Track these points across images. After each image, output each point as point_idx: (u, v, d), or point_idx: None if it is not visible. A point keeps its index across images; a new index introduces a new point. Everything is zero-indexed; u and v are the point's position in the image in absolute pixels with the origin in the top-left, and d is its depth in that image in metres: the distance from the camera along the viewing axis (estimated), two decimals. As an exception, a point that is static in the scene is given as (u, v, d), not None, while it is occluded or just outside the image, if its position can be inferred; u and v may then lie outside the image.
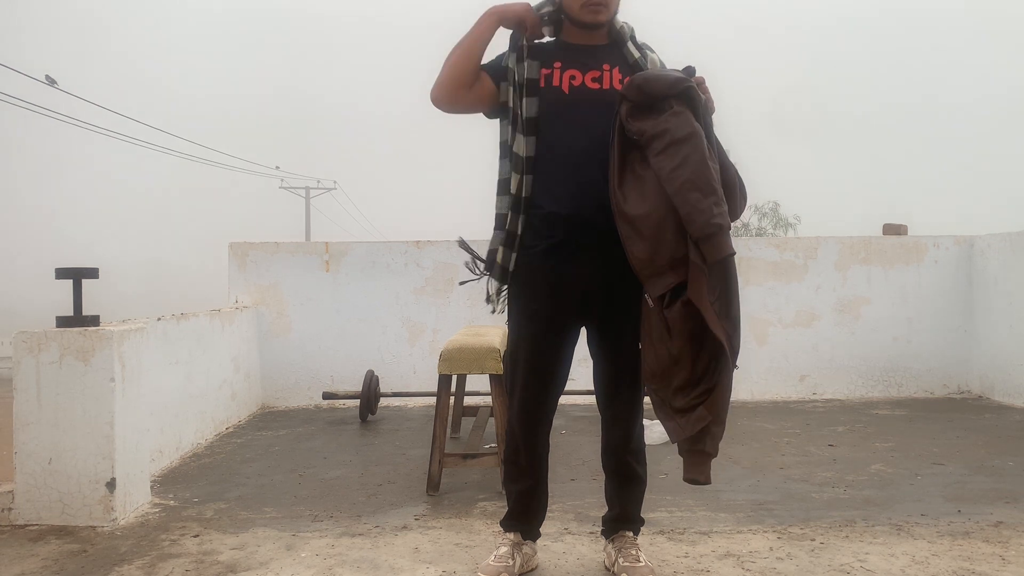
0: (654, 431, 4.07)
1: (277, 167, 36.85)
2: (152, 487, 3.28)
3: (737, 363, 2.08)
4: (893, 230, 6.08)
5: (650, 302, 2.09)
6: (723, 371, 2.04)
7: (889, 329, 5.60)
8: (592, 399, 5.58)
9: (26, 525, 2.87)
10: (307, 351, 5.50)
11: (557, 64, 2.26)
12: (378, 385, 5.00)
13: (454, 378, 3.58)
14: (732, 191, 2.15)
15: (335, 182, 38.44)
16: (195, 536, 2.75)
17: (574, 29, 2.30)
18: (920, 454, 3.83)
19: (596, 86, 2.23)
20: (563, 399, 4.86)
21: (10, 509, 2.89)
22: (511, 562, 2.28)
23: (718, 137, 2.18)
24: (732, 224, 2.07)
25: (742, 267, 5.57)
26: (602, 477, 2.42)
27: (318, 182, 37.97)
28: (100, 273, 3.12)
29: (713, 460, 2.10)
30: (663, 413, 2.11)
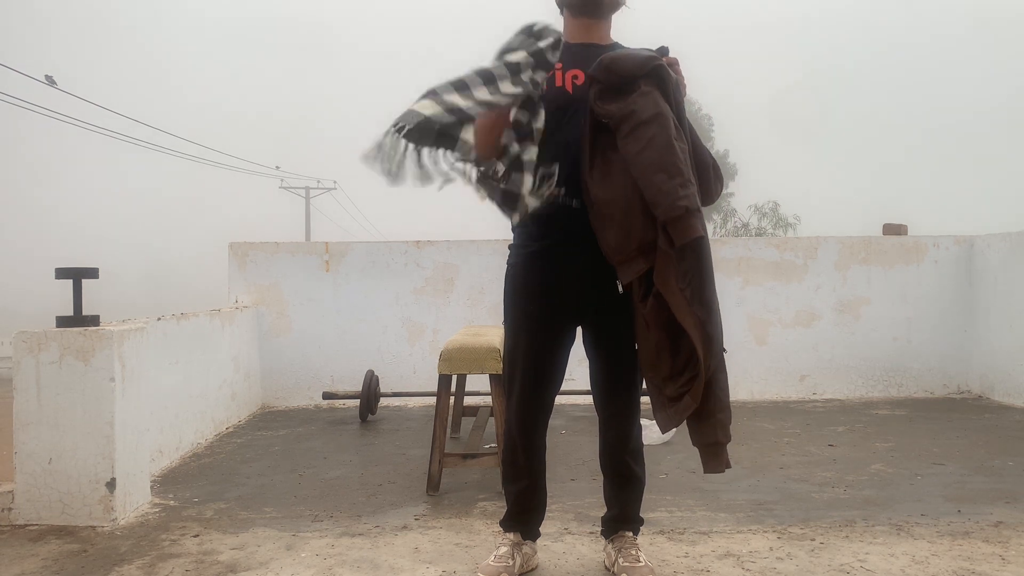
0: (653, 431, 4.06)
1: (277, 167, 36.86)
2: (152, 487, 3.28)
3: (725, 347, 2.03)
4: (893, 230, 6.08)
5: (620, 288, 2.08)
6: (708, 357, 1.97)
7: (889, 329, 5.60)
8: (592, 399, 5.58)
9: (26, 525, 2.87)
10: (307, 351, 5.50)
11: (559, 65, 2.24)
12: (378, 385, 5.00)
13: (454, 378, 3.58)
14: (705, 173, 2.11)
15: (335, 182, 38.44)
16: (195, 536, 2.75)
17: (575, 27, 2.29)
18: (920, 454, 3.83)
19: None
20: (563, 399, 4.88)
21: (10, 509, 2.89)
22: (511, 562, 2.28)
23: (691, 120, 2.15)
24: (705, 208, 2.03)
25: (742, 267, 5.58)
26: (602, 477, 2.42)
27: (318, 182, 37.97)
28: (100, 273, 3.12)
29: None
30: (657, 403, 2.10)
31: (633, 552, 2.30)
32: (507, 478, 2.40)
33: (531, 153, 2.08)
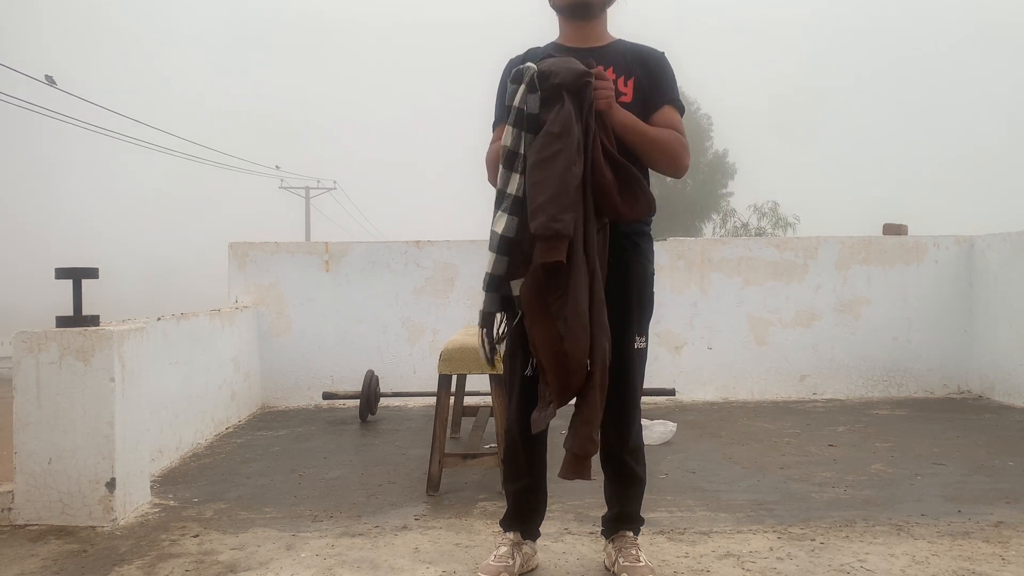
0: (654, 431, 4.07)
1: (277, 167, 36.88)
2: (152, 487, 3.28)
3: (593, 366, 2.03)
4: (893, 230, 6.08)
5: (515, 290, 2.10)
6: (559, 372, 2.00)
7: (889, 329, 5.60)
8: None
9: (26, 525, 2.87)
10: (307, 351, 5.50)
11: None
12: (378, 385, 5.00)
13: (454, 378, 3.57)
14: (631, 189, 2.10)
15: (335, 182, 38.47)
16: (195, 536, 2.75)
17: (568, 30, 2.29)
18: (920, 454, 3.83)
19: None
20: (563, 399, 4.74)
21: (10, 509, 2.89)
22: (511, 562, 2.28)
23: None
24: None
25: (742, 267, 5.58)
26: (602, 477, 2.42)
27: (318, 182, 38.00)
28: (100, 273, 3.12)
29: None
30: (540, 402, 2.12)
31: (633, 552, 2.30)
32: (507, 477, 2.41)
33: (514, 184, 2.09)
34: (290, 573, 2.40)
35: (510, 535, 2.36)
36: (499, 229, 2.07)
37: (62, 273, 3.03)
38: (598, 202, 2.05)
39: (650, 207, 2.16)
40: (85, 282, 3.05)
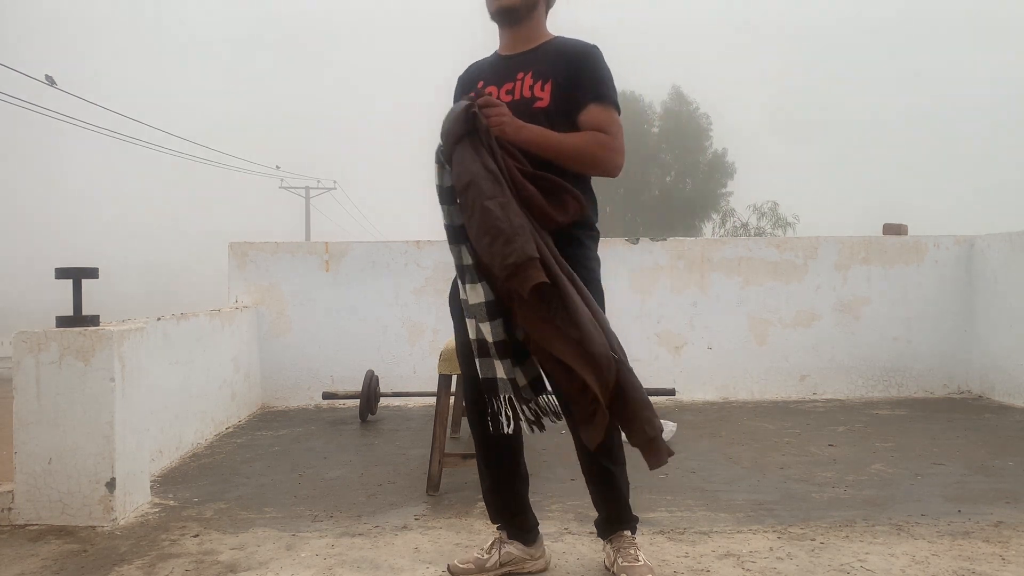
0: (654, 431, 4.07)
1: (277, 167, 36.89)
2: (152, 487, 3.28)
3: (617, 353, 2.03)
4: (893, 230, 6.08)
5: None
6: (594, 373, 1.98)
7: (889, 329, 5.60)
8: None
9: (26, 525, 2.87)
10: (307, 351, 5.50)
11: (480, 83, 2.25)
12: (378, 385, 5.00)
13: (454, 378, 3.57)
14: (557, 196, 2.09)
15: (335, 182, 38.48)
16: (195, 536, 2.75)
17: (502, 37, 2.28)
18: (920, 454, 3.83)
19: (508, 98, 2.18)
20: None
21: (10, 509, 2.89)
22: (485, 556, 2.30)
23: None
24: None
25: (742, 267, 5.58)
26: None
27: (318, 182, 38.01)
28: (100, 273, 3.12)
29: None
30: (579, 421, 2.10)
31: (632, 552, 2.29)
32: (479, 475, 2.41)
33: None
34: (290, 573, 2.40)
35: (496, 528, 2.37)
36: (478, 299, 2.06)
37: (62, 273, 3.03)
38: (532, 216, 2.04)
39: (583, 207, 2.13)
40: (85, 282, 3.05)
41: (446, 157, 2.06)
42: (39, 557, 2.57)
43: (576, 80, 2.16)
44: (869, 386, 5.57)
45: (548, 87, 2.16)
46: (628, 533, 2.36)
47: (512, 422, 2.10)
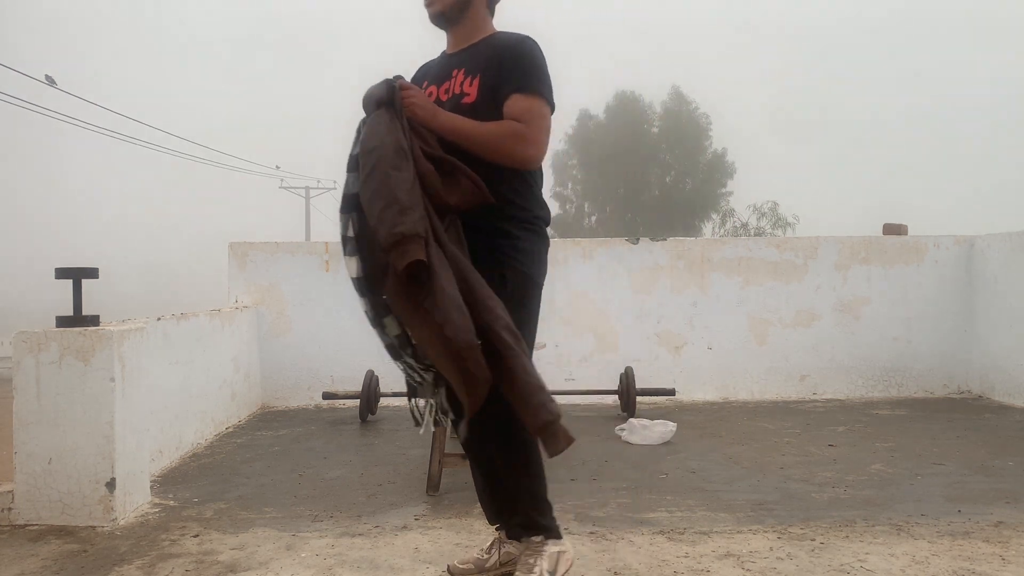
0: (654, 431, 4.07)
1: (277, 167, 36.88)
2: (152, 487, 3.28)
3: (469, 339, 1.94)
4: (893, 230, 6.08)
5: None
6: (452, 359, 1.93)
7: (889, 329, 5.60)
8: (592, 399, 5.55)
9: (26, 525, 2.87)
10: (307, 351, 5.49)
11: (425, 83, 2.25)
12: (378, 385, 5.00)
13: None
14: (453, 178, 2.06)
15: (335, 182, 38.43)
16: (195, 536, 2.75)
17: (447, 37, 2.28)
18: (920, 454, 3.83)
19: (446, 96, 2.19)
20: (563, 399, 4.79)
21: (10, 509, 2.89)
22: (485, 556, 2.29)
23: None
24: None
25: (742, 267, 5.58)
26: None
27: (318, 182, 38.01)
28: (100, 273, 3.12)
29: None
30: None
31: (531, 560, 2.12)
32: (472, 477, 2.39)
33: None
34: (290, 573, 2.40)
35: (495, 530, 2.36)
36: (351, 273, 2.07)
37: (62, 273, 3.03)
38: (426, 196, 2.01)
39: (479, 194, 2.07)
40: (85, 282, 3.05)
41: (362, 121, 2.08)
42: (39, 557, 2.57)
43: (501, 72, 2.13)
44: (869, 386, 5.57)
45: (476, 83, 2.15)
46: (538, 539, 2.17)
47: (422, 385, 2.17)
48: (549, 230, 2.35)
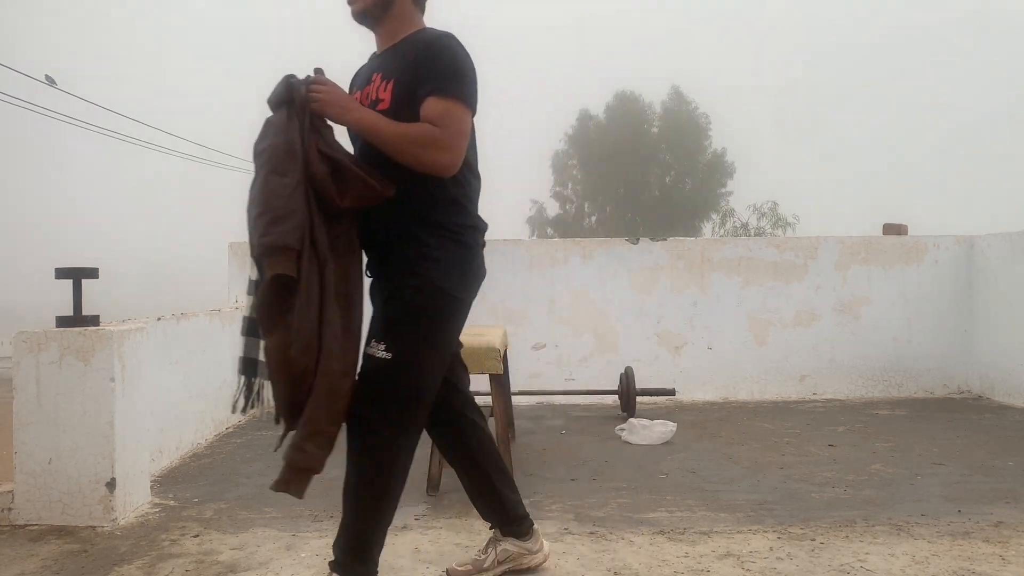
0: (654, 431, 4.07)
1: (277, 167, 36.82)
2: (152, 487, 3.28)
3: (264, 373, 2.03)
4: (893, 230, 6.08)
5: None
6: (285, 382, 2.02)
7: (889, 329, 5.60)
8: (592, 399, 5.53)
9: (26, 525, 2.87)
10: (307, 351, 5.48)
11: (356, 91, 2.18)
12: (378, 385, 4.99)
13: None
14: (344, 177, 1.96)
15: (335, 182, 38.38)
16: (195, 536, 2.75)
17: (375, 36, 2.20)
18: (920, 454, 3.83)
19: (367, 101, 2.09)
20: (563, 399, 4.83)
21: (10, 509, 2.89)
22: (483, 556, 2.31)
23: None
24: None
25: (742, 267, 5.58)
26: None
27: (318, 182, 37.94)
28: (100, 273, 3.12)
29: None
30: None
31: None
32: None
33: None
34: (290, 573, 2.40)
35: (490, 528, 2.37)
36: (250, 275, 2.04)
37: (62, 273, 3.02)
38: (316, 196, 1.94)
39: (368, 190, 1.97)
40: (85, 282, 3.05)
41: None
42: (39, 557, 2.57)
43: (418, 73, 1.99)
44: (869, 386, 5.57)
45: (390, 87, 2.03)
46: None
47: (247, 405, 2.17)
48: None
